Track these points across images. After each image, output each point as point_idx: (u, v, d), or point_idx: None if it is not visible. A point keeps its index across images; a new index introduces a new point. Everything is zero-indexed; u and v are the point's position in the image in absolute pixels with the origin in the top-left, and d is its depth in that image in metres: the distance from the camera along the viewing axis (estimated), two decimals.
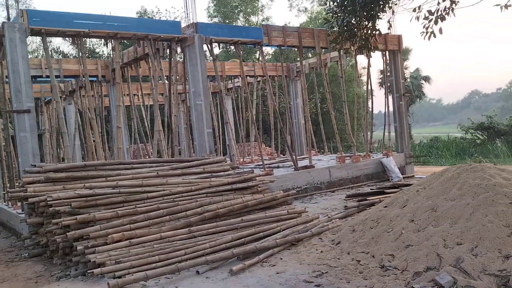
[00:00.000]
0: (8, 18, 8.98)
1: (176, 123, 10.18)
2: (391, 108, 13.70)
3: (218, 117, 16.41)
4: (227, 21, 30.11)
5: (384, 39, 12.69)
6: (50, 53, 8.72)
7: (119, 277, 5.10)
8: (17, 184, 8.19)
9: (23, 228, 7.59)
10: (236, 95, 18.36)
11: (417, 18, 8.45)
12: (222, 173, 8.41)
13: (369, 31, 9.47)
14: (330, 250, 5.62)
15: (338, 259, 5.26)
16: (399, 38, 13.42)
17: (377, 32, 9.61)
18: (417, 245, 4.89)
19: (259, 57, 28.86)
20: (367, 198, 8.14)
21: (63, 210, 6.05)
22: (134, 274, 5.12)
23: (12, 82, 7.72)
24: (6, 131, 9.43)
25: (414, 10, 8.44)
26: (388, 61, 13.61)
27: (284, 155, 18.33)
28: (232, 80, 17.76)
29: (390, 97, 13.79)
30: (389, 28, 10.12)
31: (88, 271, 5.32)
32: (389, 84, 13.82)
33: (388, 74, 13.78)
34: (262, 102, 19.22)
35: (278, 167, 12.54)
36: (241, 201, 7.24)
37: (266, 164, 11.95)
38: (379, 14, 9.20)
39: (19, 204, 8.57)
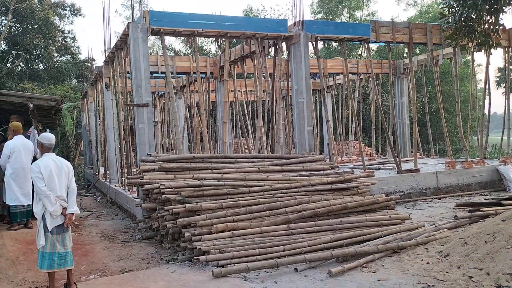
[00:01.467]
0: (133, 16, 9.77)
1: (278, 120, 10.34)
2: (511, 110, 12.37)
3: (317, 114, 16.29)
4: (330, 17, 29.65)
5: (507, 34, 11.48)
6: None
7: (222, 266, 5.35)
8: (134, 171, 9.00)
9: (138, 212, 8.32)
10: (336, 92, 18.03)
11: None
12: (321, 172, 8.34)
13: (491, 26, 8.58)
14: (438, 262, 5.27)
15: (447, 272, 4.91)
16: None
17: (501, 27, 8.68)
18: None
19: (361, 54, 28.00)
20: (481, 209, 7.46)
21: (174, 198, 6.50)
22: (236, 264, 5.34)
23: (134, 78, 8.48)
24: (126, 122, 10.39)
25: None
26: (510, 59, 12.28)
27: (384, 156, 17.59)
28: (333, 77, 17.49)
29: (509, 97, 12.45)
30: None
31: (194, 257, 5.67)
32: (505, 84, 12.46)
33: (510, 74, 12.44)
34: (362, 100, 18.64)
35: (379, 168, 12.08)
36: (341, 202, 7.11)
37: (366, 165, 11.59)
38: (504, 7, 8.28)
39: (134, 189, 9.42)
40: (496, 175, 11.42)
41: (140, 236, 7.52)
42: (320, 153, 15.08)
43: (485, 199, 9.23)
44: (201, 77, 12.86)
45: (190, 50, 22.35)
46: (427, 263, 5.32)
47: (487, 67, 12.20)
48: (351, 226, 6.62)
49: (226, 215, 6.32)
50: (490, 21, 8.65)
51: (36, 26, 26.36)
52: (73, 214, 5.00)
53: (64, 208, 4.93)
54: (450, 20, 9.09)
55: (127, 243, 7.24)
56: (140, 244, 7.07)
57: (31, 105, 8.78)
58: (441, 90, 13.49)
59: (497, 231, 5.40)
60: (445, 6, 9.24)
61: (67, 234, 4.98)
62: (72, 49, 29.75)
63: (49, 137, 5.11)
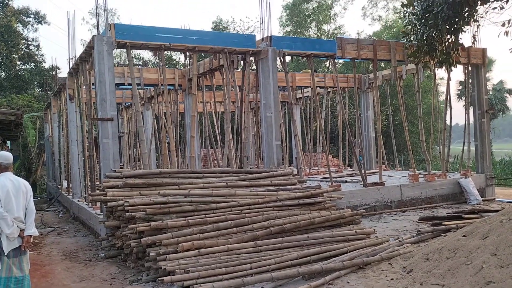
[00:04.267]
0: (98, 29, 9.57)
1: (246, 134, 10.33)
2: (470, 123, 12.87)
3: (286, 126, 16.42)
4: (299, 30, 30.10)
5: (467, 52, 11.96)
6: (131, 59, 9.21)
7: (187, 286, 5.25)
8: (97, 186, 8.75)
9: (101, 229, 8.07)
10: (304, 105, 18.26)
11: (506, 33, 7.84)
12: (289, 186, 8.38)
13: (451, 45, 8.94)
14: (401, 278, 5.36)
15: None
16: (483, 51, 12.59)
17: (460, 46, 9.05)
18: (500, 282, 4.50)
19: (329, 67, 28.52)
20: (443, 223, 7.68)
21: (139, 216, 6.36)
22: (202, 285, 5.24)
23: (98, 92, 8.28)
24: (90, 134, 10.14)
25: (503, 24, 7.84)
26: (470, 76, 12.81)
27: (351, 167, 17.90)
28: (302, 90, 17.70)
29: (469, 111, 12.96)
30: (473, 43, 9.52)
31: (158, 278, 5.53)
32: (465, 98, 12.98)
33: (470, 89, 12.96)
34: (330, 112, 18.98)
35: (345, 181, 12.25)
36: (308, 217, 7.14)
37: (333, 178, 11.73)
38: (463, 27, 8.65)
39: (98, 204, 9.15)
40: (458, 188, 11.79)
41: (103, 254, 7.29)
42: (289, 165, 15.20)
43: (447, 213, 9.50)
44: (169, 89, 12.73)
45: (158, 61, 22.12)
46: (391, 279, 5.40)
47: (448, 84, 12.67)
48: (318, 241, 6.66)
49: (193, 233, 6.22)
50: (450, 40, 9.00)
51: None
52: (31, 236, 4.78)
53: (22, 230, 4.71)
54: (412, 38, 9.40)
55: (90, 262, 7.01)
56: (103, 264, 6.85)
57: None
58: (405, 102, 13.88)
59: (458, 246, 5.55)
60: (408, 24, 9.55)
61: (24, 257, 4.76)
62: (36, 57, 28.83)
63: (6, 155, 4.88)
